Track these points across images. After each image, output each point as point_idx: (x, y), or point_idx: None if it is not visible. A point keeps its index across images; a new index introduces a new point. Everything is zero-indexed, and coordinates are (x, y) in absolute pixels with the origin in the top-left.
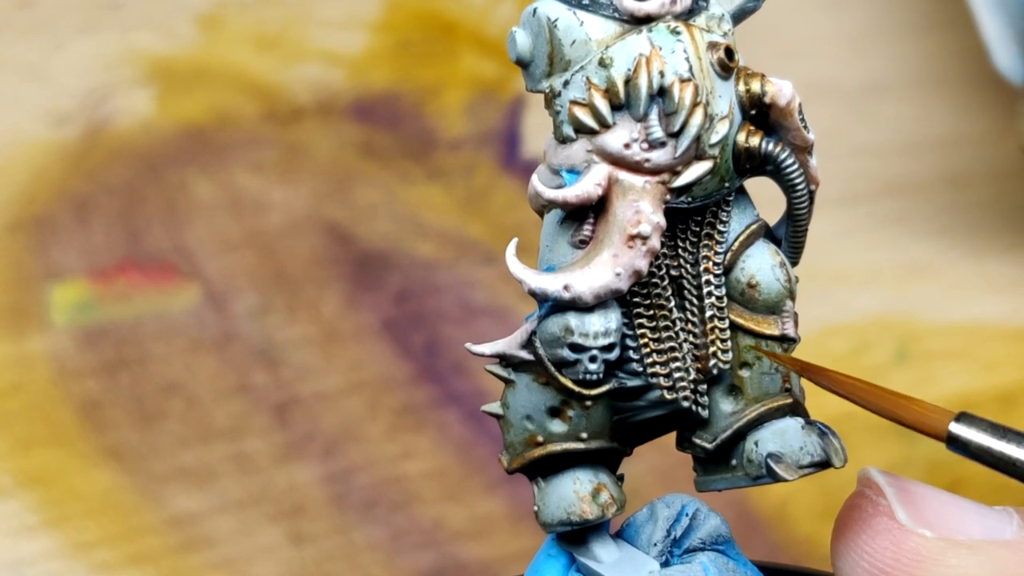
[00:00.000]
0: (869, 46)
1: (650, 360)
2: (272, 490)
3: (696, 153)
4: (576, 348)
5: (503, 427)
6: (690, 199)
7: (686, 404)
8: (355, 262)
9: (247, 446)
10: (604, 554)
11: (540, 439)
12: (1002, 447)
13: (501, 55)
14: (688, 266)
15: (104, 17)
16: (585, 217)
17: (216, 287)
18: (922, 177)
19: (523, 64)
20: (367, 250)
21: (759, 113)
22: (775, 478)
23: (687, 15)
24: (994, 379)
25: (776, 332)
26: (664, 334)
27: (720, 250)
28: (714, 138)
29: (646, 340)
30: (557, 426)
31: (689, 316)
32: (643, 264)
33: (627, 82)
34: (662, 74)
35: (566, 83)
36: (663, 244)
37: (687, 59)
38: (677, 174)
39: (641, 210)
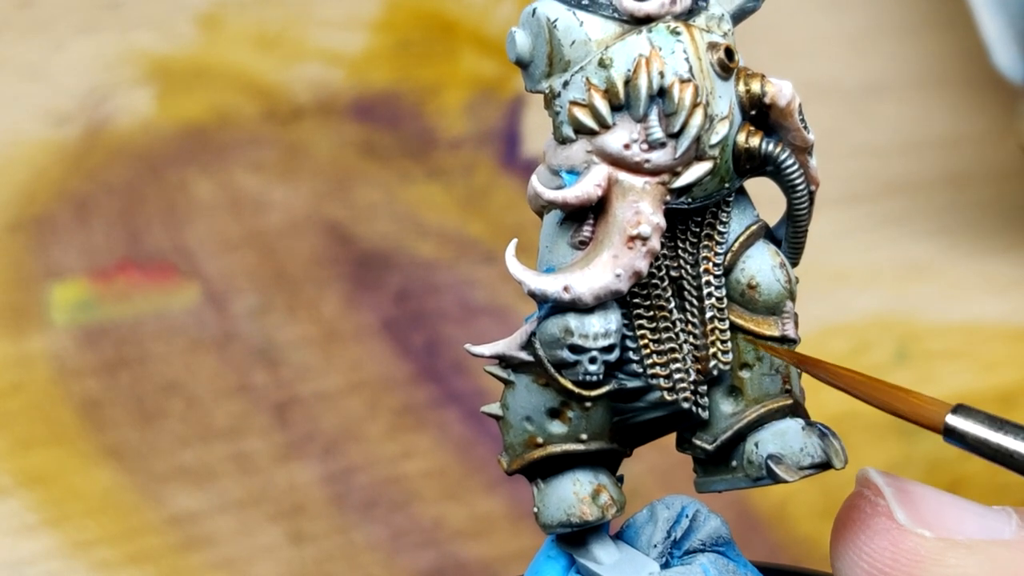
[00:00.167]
0: (869, 46)
1: (650, 361)
2: (272, 490)
3: (696, 154)
4: (576, 349)
5: (503, 428)
6: (690, 200)
7: (686, 405)
8: (355, 262)
9: (247, 446)
10: (604, 555)
11: (540, 440)
12: (999, 439)
13: (501, 55)
14: (688, 267)
15: (104, 17)
16: (585, 218)
17: (216, 287)
18: (922, 177)
19: (523, 64)
20: (367, 250)
21: (759, 113)
22: (775, 479)
23: (687, 15)
24: (994, 379)
25: (776, 333)
26: (664, 335)
27: (720, 251)
28: (714, 139)
29: (646, 341)
30: (557, 427)
31: (689, 317)
32: (643, 265)
33: (627, 83)
34: (662, 75)
35: (566, 83)
36: (663, 245)
37: (687, 60)
38: (677, 175)
39: (641, 211)
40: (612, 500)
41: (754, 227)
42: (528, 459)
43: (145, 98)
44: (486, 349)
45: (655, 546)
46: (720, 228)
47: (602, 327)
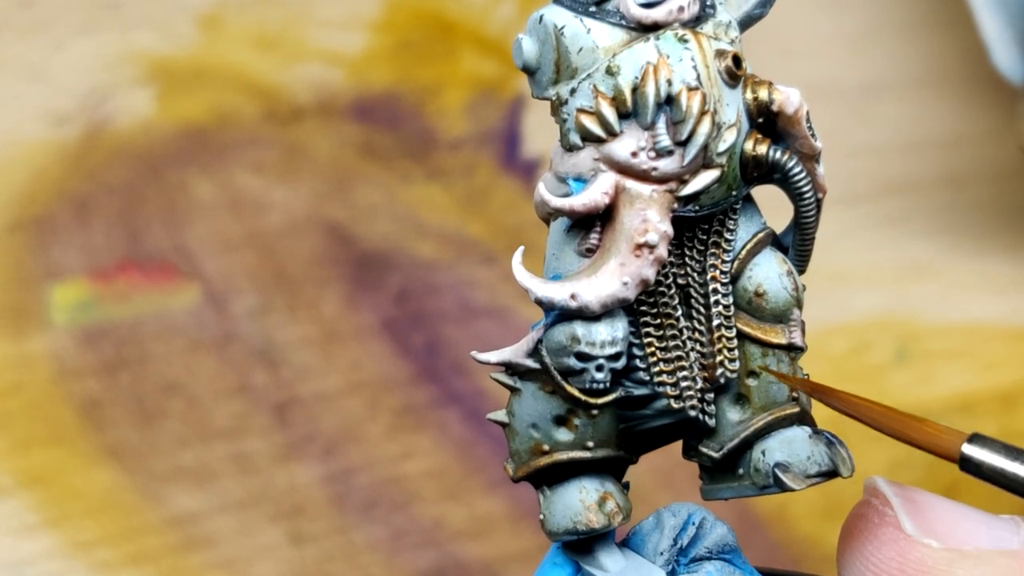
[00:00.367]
0: (869, 46)
1: (657, 369)
2: (272, 490)
3: (703, 162)
4: (583, 357)
5: (508, 435)
6: (697, 208)
7: (693, 413)
8: (355, 262)
9: (247, 446)
10: (610, 563)
11: (546, 448)
12: (1016, 468)
13: (501, 55)
14: (695, 275)
15: (104, 17)
16: (592, 226)
17: (216, 287)
18: (922, 177)
19: (529, 71)
20: (367, 250)
21: (766, 121)
22: (782, 488)
23: (694, 23)
24: (994, 379)
25: (783, 341)
26: (671, 343)
27: (727, 258)
28: (722, 146)
29: (653, 349)
30: (563, 435)
31: (696, 325)
32: (650, 273)
33: (634, 90)
34: (669, 82)
35: (573, 91)
36: (670, 253)
37: (695, 67)
38: (684, 183)
39: (648, 219)
40: (618, 507)
41: (761, 235)
42: (534, 466)
43: (145, 98)
44: (492, 356)
45: (661, 553)
46: (727, 236)
47: (609, 335)
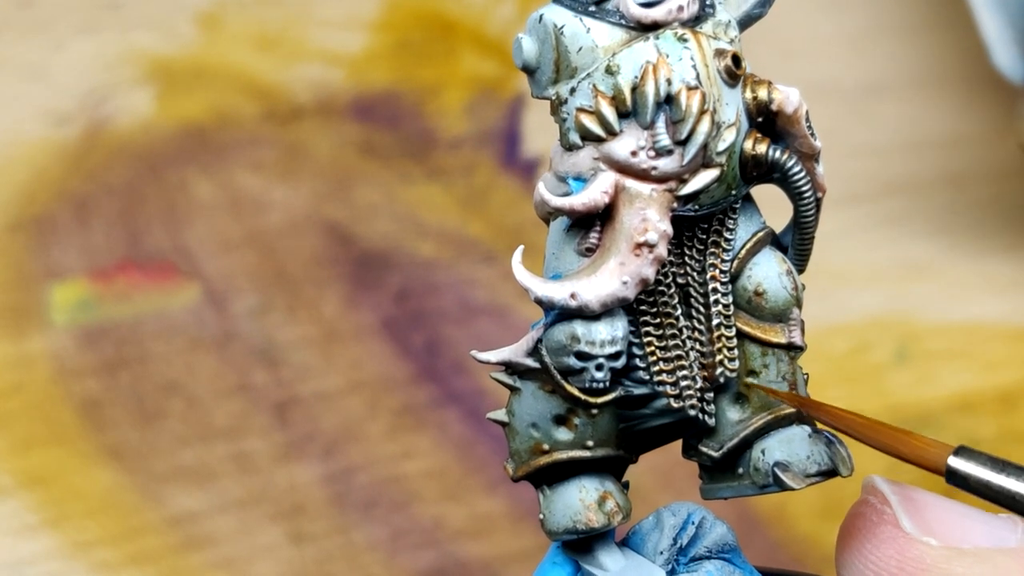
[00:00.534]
0: (869, 46)
1: (657, 368)
2: (272, 490)
3: (703, 161)
4: (582, 356)
5: (508, 435)
6: (697, 207)
7: (693, 412)
8: (355, 262)
9: (247, 446)
10: (610, 562)
11: (546, 447)
12: (1001, 481)
13: (501, 55)
14: (695, 274)
15: (104, 17)
16: (591, 225)
17: (216, 287)
18: (922, 177)
19: (529, 71)
20: (367, 250)
21: (766, 120)
22: (782, 487)
23: (694, 22)
24: (994, 379)
25: (783, 340)
26: (671, 342)
27: (727, 258)
28: (721, 146)
29: (653, 348)
30: (563, 434)
31: (696, 324)
32: (650, 272)
33: (634, 90)
34: (669, 82)
35: (572, 90)
36: (670, 252)
37: (694, 66)
38: (684, 182)
39: (648, 218)
40: (618, 507)
41: (761, 234)
42: (534, 466)
43: (145, 98)
44: (492, 356)
45: (661, 553)
46: (727, 235)
47: (609, 334)
